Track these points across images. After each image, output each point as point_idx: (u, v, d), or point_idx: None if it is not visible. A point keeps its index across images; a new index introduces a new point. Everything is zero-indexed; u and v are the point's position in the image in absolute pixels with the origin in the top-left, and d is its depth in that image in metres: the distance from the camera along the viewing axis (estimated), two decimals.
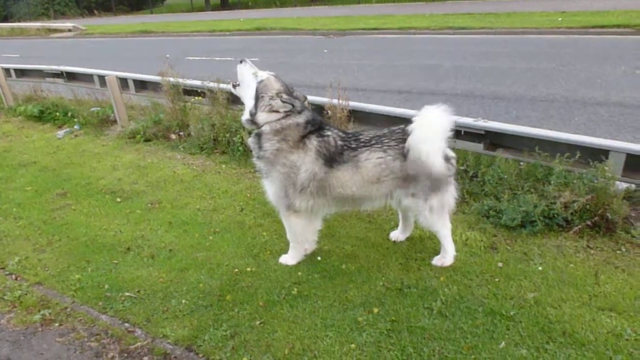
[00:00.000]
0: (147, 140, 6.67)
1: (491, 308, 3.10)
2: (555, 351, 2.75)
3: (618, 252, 3.61)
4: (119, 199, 5.01)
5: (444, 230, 3.53)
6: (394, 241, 3.94)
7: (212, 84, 6.15)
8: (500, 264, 3.55)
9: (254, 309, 3.23)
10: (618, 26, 13.25)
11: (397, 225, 4.06)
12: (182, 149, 6.28)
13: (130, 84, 7.15)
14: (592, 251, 3.64)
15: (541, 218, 3.85)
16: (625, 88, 7.86)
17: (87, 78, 7.85)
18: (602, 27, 13.46)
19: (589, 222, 3.82)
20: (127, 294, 3.48)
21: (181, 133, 6.66)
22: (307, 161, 3.28)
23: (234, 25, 20.58)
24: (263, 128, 3.34)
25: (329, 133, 3.33)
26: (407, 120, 4.76)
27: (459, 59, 11.17)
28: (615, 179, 3.77)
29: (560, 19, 15.02)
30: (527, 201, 3.90)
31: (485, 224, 4.05)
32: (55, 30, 25.39)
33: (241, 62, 3.49)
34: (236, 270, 3.67)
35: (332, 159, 3.27)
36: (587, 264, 3.49)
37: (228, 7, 32.54)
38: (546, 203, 3.88)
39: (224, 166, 5.71)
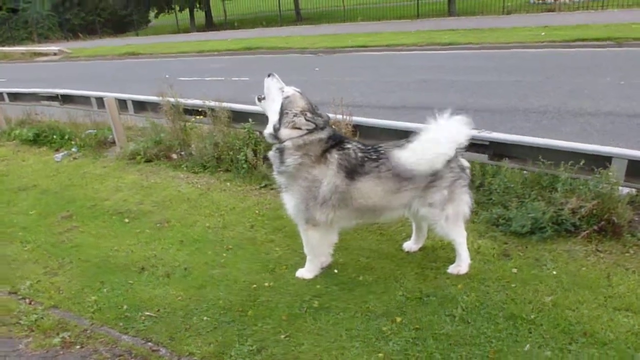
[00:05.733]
0: (148, 160, 6.67)
1: (511, 312, 3.16)
2: (578, 351, 2.82)
3: (627, 254, 3.72)
4: (126, 220, 5.00)
5: (460, 238, 3.60)
6: (408, 252, 4.00)
7: (213, 103, 6.20)
8: (514, 270, 3.62)
9: (277, 323, 3.25)
10: (598, 39, 13.63)
11: (408, 237, 4.13)
12: (184, 168, 6.30)
13: (129, 105, 7.17)
14: (601, 254, 3.73)
15: (550, 224, 3.94)
16: (612, 98, 8.09)
17: (84, 100, 7.84)
18: (584, 40, 13.84)
19: (596, 227, 3.93)
20: (146, 313, 3.48)
21: (182, 152, 6.68)
22: (329, 174, 3.34)
23: (221, 45, 20.72)
24: (285, 143, 3.40)
25: (349, 146, 3.41)
26: (411, 133, 4.91)
27: (449, 74, 11.39)
28: (619, 184, 3.89)
29: (543, 33, 15.42)
30: (535, 208, 3.99)
31: (495, 232, 4.13)
32: (41, 54, 25.29)
33: (269, 76, 3.55)
34: (254, 285, 3.69)
35: (353, 171, 3.33)
36: (599, 267, 3.59)
37: (214, 27, 32.74)
38: (554, 209, 3.98)
39: (228, 184, 5.74)
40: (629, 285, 3.36)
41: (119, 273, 4.03)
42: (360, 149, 3.42)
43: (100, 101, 7.40)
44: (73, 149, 7.49)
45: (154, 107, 6.78)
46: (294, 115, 3.39)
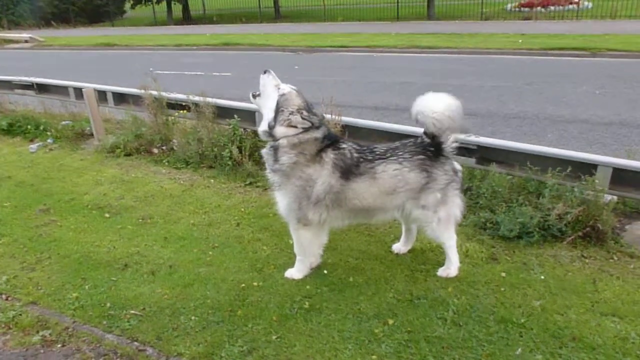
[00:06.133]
0: (128, 154, 6.50)
1: (502, 316, 3.19)
2: (568, 356, 2.85)
3: (610, 260, 3.80)
4: (107, 215, 4.85)
5: (450, 241, 3.62)
6: (397, 254, 4.00)
7: (197, 98, 6.09)
8: (503, 274, 3.66)
9: (267, 324, 3.20)
10: (574, 49, 13.98)
11: (397, 238, 4.13)
12: (166, 163, 6.16)
13: (109, 96, 6.98)
14: (586, 260, 3.81)
15: (537, 229, 4.00)
16: (589, 107, 8.30)
17: (61, 90, 7.60)
18: (561, 49, 14.19)
19: (580, 233, 4.00)
20: (131, 311, 3.37)
21: (164, 147, 6.54)
22: (323, 174, 3.31)
23: (200, 40, 20.42)
24: (280, 141, 3.34)
25: (344, 146, 3.38)
26: (399, 135, 4.92)
27: (429, 77, 11.50)
28: (604, 192, 3.97)
29: (520, 40, 15.73)
30: (523, 213, 4.05)
31: (483, 236, 4.17)
32: (11, 41, 24.43)
33: (265, 72, 3.49)
34: (243, 285, 3.62)
35: (348, 171, 3.30)
36: (584, 272, 3.65)
37: (192, 21, 32.25)
38: (541, 215, 4.04)
39: (212, 180, 5.64)
40: (614, 290, 3.43)
41: (101, 269, 3.90)
42: (356, 149, 3.40)
43: (78, 92, 7.19)
44: (48, 140, 7.25)
45: (135, 99, 6.62)
46: (290, 113, 3.34)
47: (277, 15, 31.03)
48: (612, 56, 13.34)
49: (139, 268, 3.90)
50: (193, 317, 3.29)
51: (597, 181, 3.92)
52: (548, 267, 3.73)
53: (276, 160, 3.38)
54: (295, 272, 3.72)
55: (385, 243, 4.18)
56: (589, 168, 4.09)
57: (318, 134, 3.37)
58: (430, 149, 3.39)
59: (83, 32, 27.81)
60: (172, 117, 6.44)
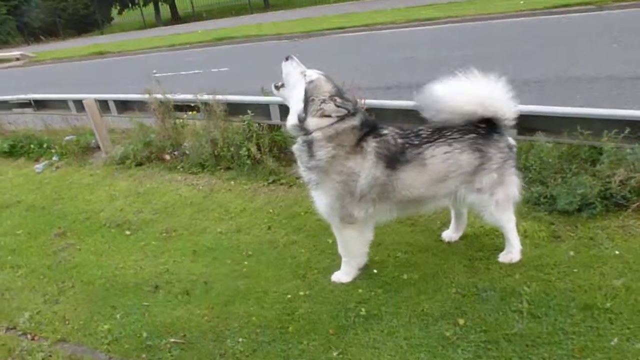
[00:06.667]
0: (139, 164, 6.17)
1: (584, 302, 2.86)
2: None
3: None
4: (127, 232, 4.53)
5: (510, 224, 3.28)
6: (448, 242, 3.66)
7: (206, 97, 5.73)
8: (571, 253, 3.31)
9: (324, 339, 2.88)
10: (580, 4, 13.44)
11: (443, 225, 3.81)
12: (180, 169, 5.82)
13: (111, 105, 6.61)
14: None
15: (598, 199, 3.64)
16: (609, 62, 7.85)
17: (60, 104, 7.24)
18: (565, 6, 13.65)
19: None
20: (171, 340, 3.06)
21: (176, 152, 6.19)
22: (366, 166, 2.95)
23: (193, 37, 19.96)
24: (314, 134, 2.99)
25: (386, 132, 3.02)
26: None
27: (436, 50, 11.04)
28: None
29: (522, 2, 15.17)
30: (581, 183, 3.68)
31: (539, 212, 3.82)
32: (2, 60, 24.05)
33: (287, 59, 3.12)
34: (288, 296, 3.30)
35: (394, 160, 2.95)
36: None
37: (180, 20, 31.67)
38: (601, 183, 3.68)
39: (232, 183, 5.30)
40: None
41: (130, 294, 3.59)
42: (399, 134, 3.03)
43: (79, 104, 6.83)
44: (54, 158, 6.92)
45: (140, 106, 6.26)
46: (322, 102, 2.98)
47: (266, 5, 30.46)
48: (620, 7, 12.80)
49: (171, 288, 3.58)
50: (240, 339, 2.97)
51: None
52: (619, 240, 3.38)
53: (311, 156, 3.02)
54: (342, 275, 3.39)
55: (432, 231, 3.84)
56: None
57: (355, 121, 3.02)
58: (481, 126, 3.03)
59: (73, 44, 27.34)
60: (181, 120, 6.08)
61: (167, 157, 6.17)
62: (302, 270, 3.58)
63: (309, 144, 3.02)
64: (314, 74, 3.06)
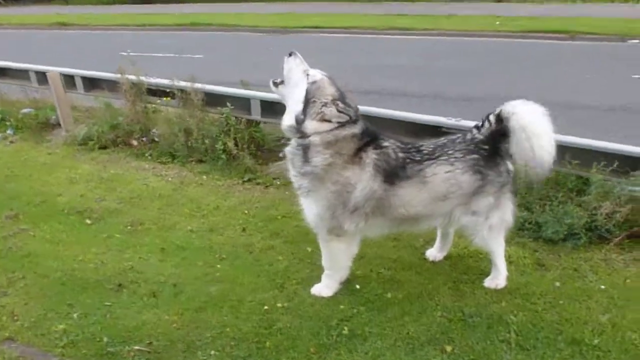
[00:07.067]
0: (103, 147, 5.78)
1: (572, 336, 2.79)
2: None
3: None
4: (88, 221, 4.19)
5: (500, 249, 3.21)
6: (432, 261, 3.55)
7: (184, 83, 5.42)
8: (557, 284, 3.27)
9: (305, 357, 2.69)
10: (554, 32, 13.82)
11: (427, 243, 3.70)
12: (149, 157, 5.49)
13: (78, 81, 6.17)
14: None
15: (584, 230, 3.63)
16: (585, 91, 8.05)
17: (20, 74, 6.71)
18: (540, 32, 13.99)
19: (626, 233, 3.66)
20: (135, 347, 2.78)
21: (144, 138, 5.85)
22: (364, 178, 2.79)
23: (167, 19, 19.23)
24: (311, 138, 2.79)
25: (386, 144, 2.86)
26: (418, 126, 4.45)
27: (415, 60, 11.08)
28: None
29: (498, 22, 15.47)
30: (569, 213, 3.66)
31: (523, 238, 3.77)
32: None
33: (290, 55, 2.91)
34: (266, 307, 3.08)
35: (393, 174, 2.80)
36: None
37: (152, 0, 30.61)
38: (587, 214, 3.66)
39: (204, 177, 5.03)
40: None
41: (90, 292, 3.28)
42: (401, 147, 2.89)
43: (41, 76, 6.35)
44: (8, 131, 6.43)
45: (110, 85, 5.87)
46: (323, 105, 2.79)
47: None
48: (590, 39, 13.23)
49: (137, 288, 3.30)
50: (213, 352, 2.74)
51: None
52: (602, 274, 3.36)
53: (306, 161, 2.83)
54: (324, 289, 3.21)
55: (415, 249, 3.72)
56: (631, 162, 3.73)
57: (356, 129, 2.85)
58: (484, 147, 2.92)
59: (34, 10, 25.86)
60: (153, 105, 5.74)
61: (135, 142, 5.82)
62: (280, 280, 3.37)
63: (305, 148, 2.83)
64: (317, 74, 2.87)
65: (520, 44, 12.98)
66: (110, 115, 5.91)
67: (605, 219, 3.62)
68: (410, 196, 2.84)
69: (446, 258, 3.58)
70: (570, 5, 19.72)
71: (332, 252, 3.09)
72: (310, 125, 2.80)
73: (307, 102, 2.81)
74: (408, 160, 2.84)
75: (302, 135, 2.84)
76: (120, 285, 3.33)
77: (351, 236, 3.03)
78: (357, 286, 3.27)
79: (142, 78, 5.64)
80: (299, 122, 2.82)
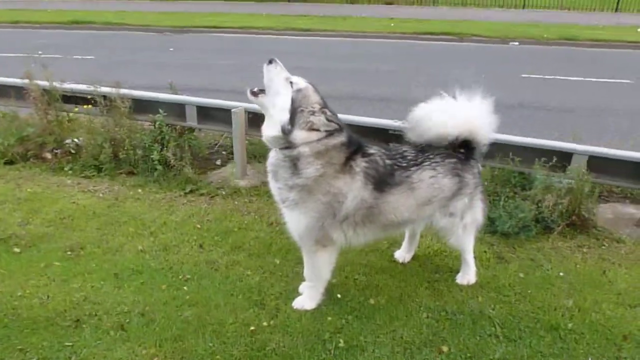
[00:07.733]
0: (9, 162, 5.08)
1: (549, 323, 3.00)
2: (633, 357, 2.75)
3: (603, 247, 3.87)
4: (16, 249, 3.63)
5: (470, 247, 3.35)
6: (402, 262, 3.61)
7: (107, 89, 4.95)
8: (521, 275, 3.49)
9: None
10: (444, 34, 14.84)
11: (391, 245, 3.77)
12: (69, 171, 4.93)
13: None
14: (584, 250, 3.83)
15: (533, 222, 3.92)
16: (484, 91, 8.69)
17: None
18: (431, 34, 14.97)
19: (566, 222, 4.02)
20: None
21: (58, 151, 5.24)
22: (354, 187, 2.74)
23: (42, 16, 17.36)
24: (301, 149, 2.67)
25: (372, 151, 2.83)
26: (375, 130, 4.50)
27: (321, 61, 11.18)
28: (589, 180, 4.00)
29: (392, 24, 16.24)
30: (520, 207, 3.92)
31: (479, 234, 3.96)
32: None
33: (270, 62, 2.73)
34: (251, 327, 2.91)
35: (383, 182, 2.78)
36: (589, 263, 3.65)
37: None
38: (535, 207, 3.96)
39: (140, 190, 4.63)
40: (625, 279, 3.45)
41: (43, 332, 2.84)
42: (387, 154, 2.88)
43: None
44: None
45: (16, 92, 5.17)
46: (311, 114, 2.68)
47: None
48: (477, 41, 14.41)
49: (99, 323, 2.93)
50: None
51: (584, 170, 3.94)
52: (555, 262, 3.65)
53: (296, 173, 2.70)
54: (307, 301, 3.11)
55: (381, 251, 3.75)
56: (566, 157, 4.11)
57: (343, 137, 2.78)
58: (460, 150, 3.02)
59: None
60: (70, 114, 5.17)
61: (49, 155, 5.19)
62: (257, 296, 3.20)
63: (293, 160, 2.70)
64: (301, 81, 2.75)
65: (414, 45, 13.74)
66: (16, 127, 5.20)
67: (549, 210, 3.95)
68: (399, 202, 2.84)
69: (414, 258, 3.65)
70: (459, 9, 21.29)
71: (318, 263, 3.00)
72: (299, 135, 2.68)
73: (294, 111, 2.68)
74: (396, 167, 2.84)
75: (290, 145, 2.71)
76: (77, 320, 2.93)
77: (335, 246, 2.97)
78: (338, 295, 3.22)
79: (56, 84, 5.05)
80: (286, 132, 2.69)
